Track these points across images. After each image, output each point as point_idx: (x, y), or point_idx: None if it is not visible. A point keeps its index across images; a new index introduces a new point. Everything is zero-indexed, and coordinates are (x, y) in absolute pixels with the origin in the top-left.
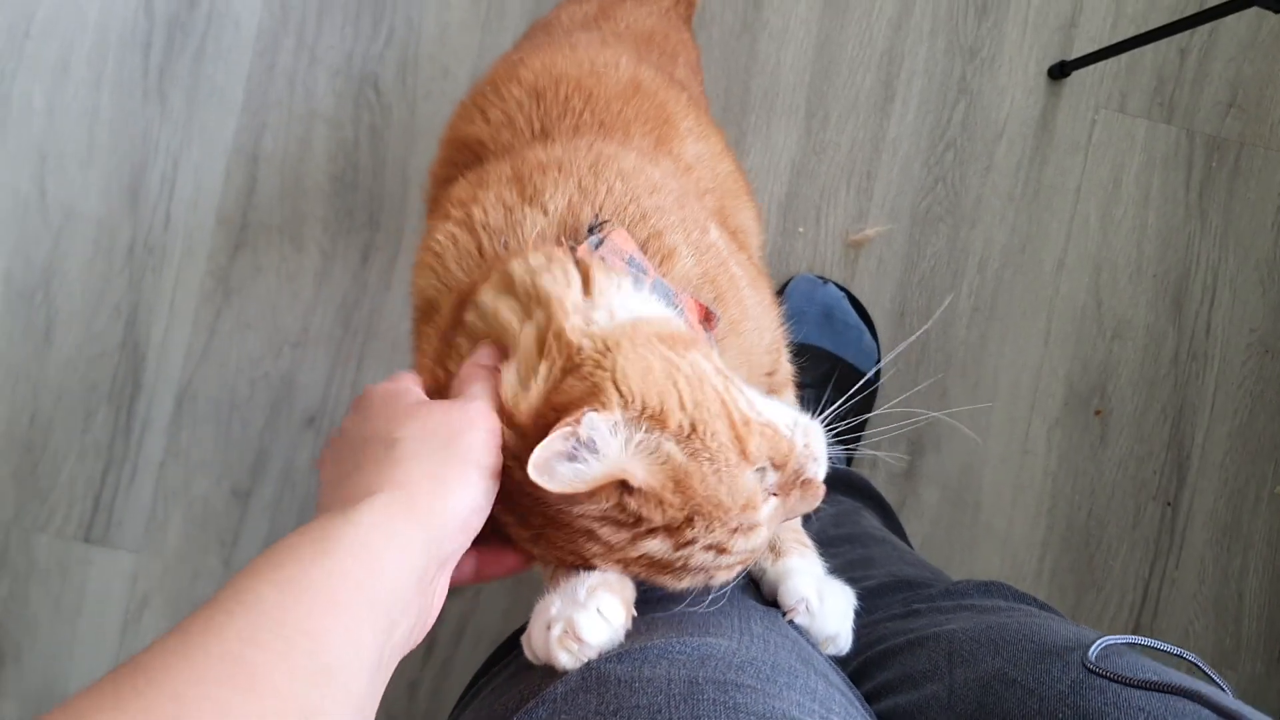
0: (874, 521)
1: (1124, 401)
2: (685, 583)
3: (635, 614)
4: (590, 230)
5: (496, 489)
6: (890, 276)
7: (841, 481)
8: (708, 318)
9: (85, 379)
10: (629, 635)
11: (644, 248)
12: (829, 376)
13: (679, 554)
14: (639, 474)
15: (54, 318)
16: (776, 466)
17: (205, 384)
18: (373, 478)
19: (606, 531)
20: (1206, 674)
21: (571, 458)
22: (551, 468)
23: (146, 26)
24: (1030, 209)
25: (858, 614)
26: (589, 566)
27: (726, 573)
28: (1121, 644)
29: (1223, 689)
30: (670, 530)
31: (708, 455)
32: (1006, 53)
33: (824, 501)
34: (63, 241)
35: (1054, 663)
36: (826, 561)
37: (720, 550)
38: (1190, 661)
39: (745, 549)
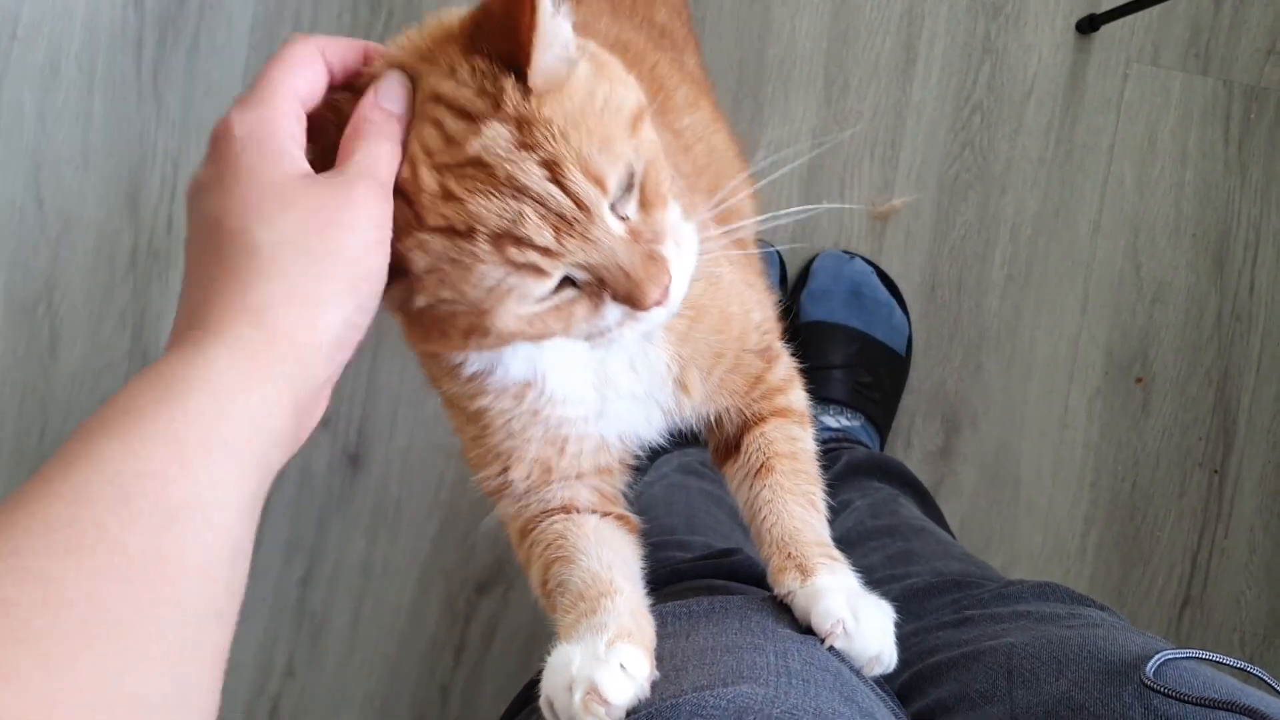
0: (912, 509)
1: (1166, 367)
2: (533, 230)
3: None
4: None
5: (378, 295)
6: (919, 248)
7: (877, 467)
8: None
9: (94, 391)
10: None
11: None
12: (859, 356)
13: (503, 155)
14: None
15: (59, 329)
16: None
17: None
18: (229, 297)
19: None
20: (1275, 689)
21: None
22: None
23: (137, 24)
24: (1062, 171)
25: (898, 624)
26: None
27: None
28: (1183, 658)
29: None
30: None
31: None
32: (1032, 8)
33: (858, 491)
34: (63, 250)
35: (1124, 686)
36: (866, 557)
37: (552, 172)
38: (1257, 676)
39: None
